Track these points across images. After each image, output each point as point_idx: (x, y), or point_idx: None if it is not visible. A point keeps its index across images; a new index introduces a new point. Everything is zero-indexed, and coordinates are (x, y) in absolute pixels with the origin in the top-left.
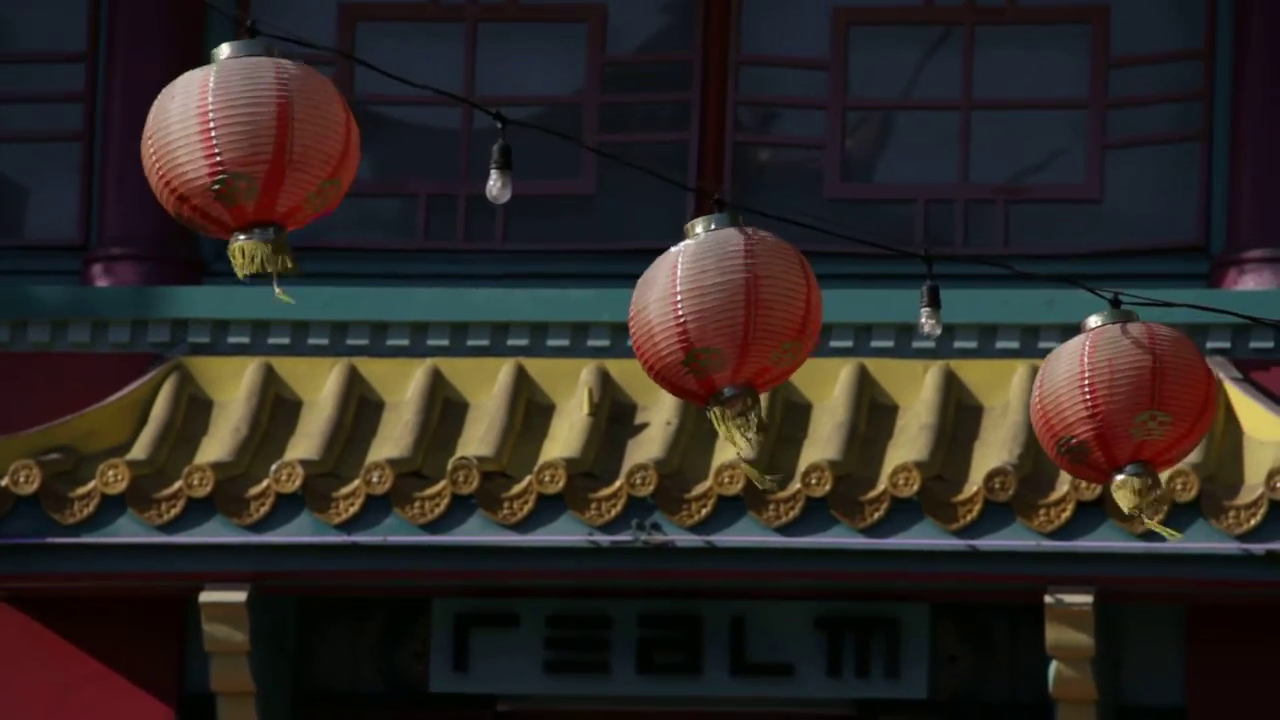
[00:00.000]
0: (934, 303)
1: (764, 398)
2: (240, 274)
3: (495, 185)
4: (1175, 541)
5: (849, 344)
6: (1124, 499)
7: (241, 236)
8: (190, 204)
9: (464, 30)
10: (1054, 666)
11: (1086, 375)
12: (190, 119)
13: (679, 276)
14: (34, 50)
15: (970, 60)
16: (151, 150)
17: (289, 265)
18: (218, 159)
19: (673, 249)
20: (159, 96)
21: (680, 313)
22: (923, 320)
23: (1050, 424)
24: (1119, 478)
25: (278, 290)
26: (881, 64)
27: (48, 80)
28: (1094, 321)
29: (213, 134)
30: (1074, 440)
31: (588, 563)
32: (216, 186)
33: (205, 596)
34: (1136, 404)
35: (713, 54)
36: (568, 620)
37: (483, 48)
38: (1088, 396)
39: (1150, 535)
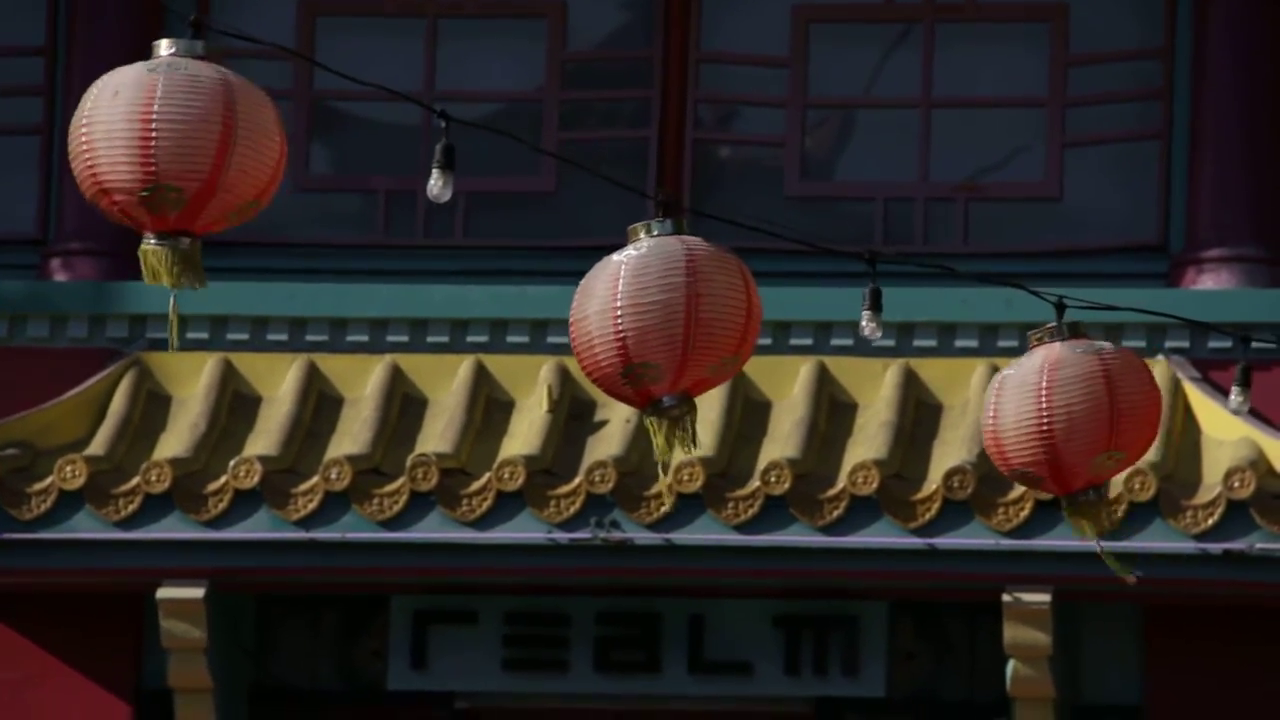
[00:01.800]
0: (875, 306)
1: (723, 396)
2: (147, 280)
3: (436, 185)
4: (1134, 541)
5: (808, 342)
6: (1078, 527)
7: (154, 241)
8: (112, 199)
9: (424, 26)
10: (1012, 665)
11: (1045, 418)
12: (132, 121)
13: (620, 291)
14: None
15: (930, 58)
16: (83, 138)
17: (200, 283)
18: (153, 168)
19: (614, 257)
20: (98, 85)
21: (620, 327)
22: (863, 323)
23: (1005, 455)
24: (1072, 507)
25: (171, 309)
26: (841, 62)
27: (6, 74)
28: (1046, 346)
29: (153, 142)
30: (1029, 473)
31: (546, 560)
32: (145, 193)
33: (163, 593)
34: (1094, 447)
35: (673, 51)
36: (526, 617)
37: (442, 43)
38: (1046, 440)
39: (1108, 535)
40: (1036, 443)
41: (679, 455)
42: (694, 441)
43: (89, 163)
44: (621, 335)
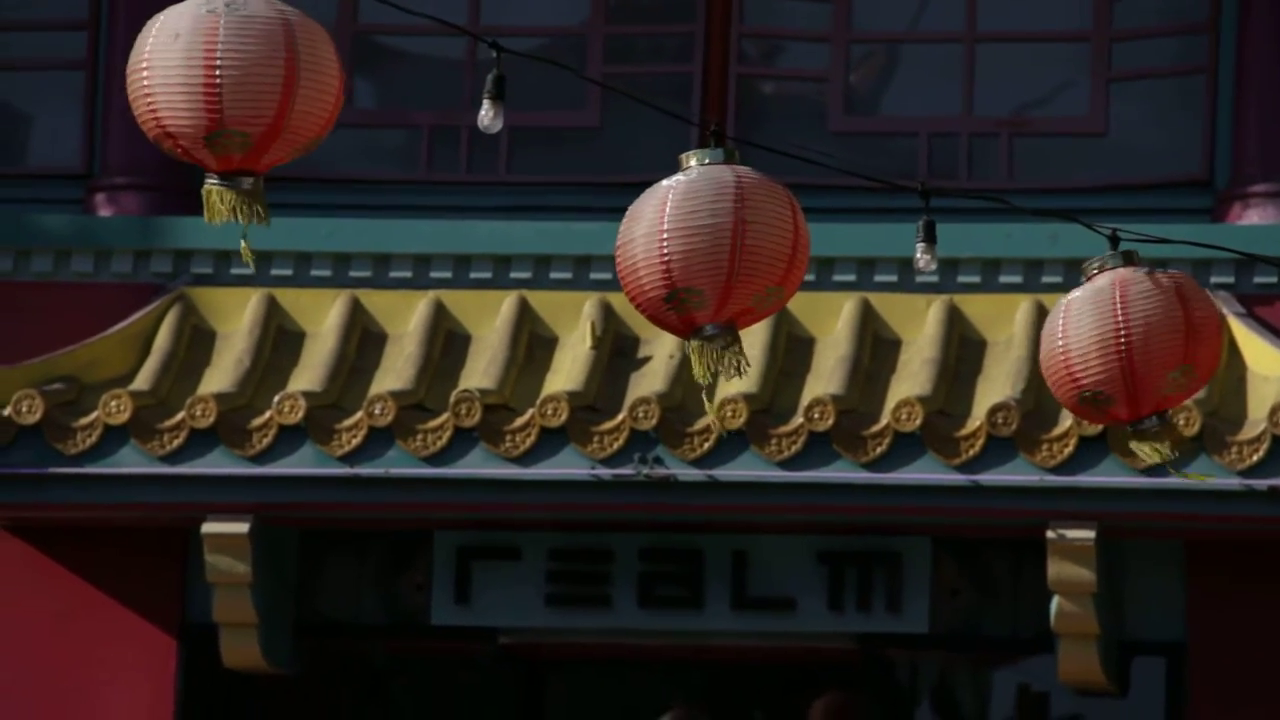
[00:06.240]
0: (930, 238)
1: (766, 332)
2: (208, 219)
3: (487, 115)
4: (1178, 477)
5: (852, 278)
6: (1148, 452)
7: (216, 181)
8: (176, 141)
9: None
10: (1055, 601)
11: (1122, 331)
12: (194, 66)
13: (667, 214)
14: None
15: None
16: (144, 80)
17: (262, 217)
18: (218, 113)
19: (664, 183)
20: (155, 25)
21: (666, 251)
22: (918, 255)
23: (1075, 376)
24: (1138, 429)
25: (244, 246)
26: None
27: (51, 8)
28: (1110, 266)
29: (218, 86)
30: (1100, 394)
31: (589, 496)
32: (210, 138)
33: (207, 527)
34: (1170, 360)
35: None
36: (569, 553)
37: None
38: (1124, 353)
39: (1152, 470)
40: (1112, 357)
41: (723, 384)
42: (741, 368)
43: (150, 106)
44: (667, 259)
